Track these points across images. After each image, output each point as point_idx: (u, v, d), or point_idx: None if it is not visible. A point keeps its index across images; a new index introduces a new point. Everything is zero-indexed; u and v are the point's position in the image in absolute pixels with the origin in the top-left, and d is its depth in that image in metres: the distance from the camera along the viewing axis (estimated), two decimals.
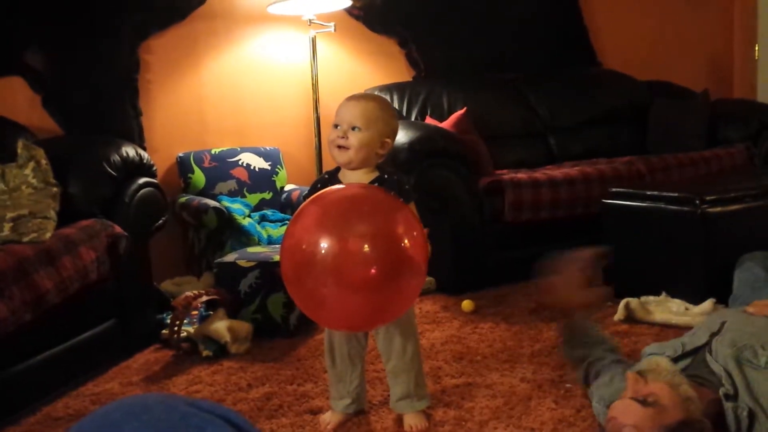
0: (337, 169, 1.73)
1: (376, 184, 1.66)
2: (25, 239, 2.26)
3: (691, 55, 4.67)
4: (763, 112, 3.85)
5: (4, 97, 3.01)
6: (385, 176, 1.69)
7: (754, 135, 3.71)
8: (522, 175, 3.06)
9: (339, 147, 1.66)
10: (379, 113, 1.67)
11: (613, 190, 2.75)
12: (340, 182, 1.69)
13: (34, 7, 3.05)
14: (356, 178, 1.67)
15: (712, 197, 2.44)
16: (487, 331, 2.42)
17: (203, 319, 2.43)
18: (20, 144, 2.52)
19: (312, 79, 3.44)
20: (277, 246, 2.76)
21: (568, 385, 1.90)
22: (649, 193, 2.62)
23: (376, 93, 3.64)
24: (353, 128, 1.65)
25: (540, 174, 3.09)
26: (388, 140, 1.69)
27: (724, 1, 4.83)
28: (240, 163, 3.27)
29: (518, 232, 3.00)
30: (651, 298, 2.46)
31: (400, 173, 1.75)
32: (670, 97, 4.06)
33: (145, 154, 2.80)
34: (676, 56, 4.59)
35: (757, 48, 4.77)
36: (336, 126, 1.67)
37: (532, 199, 2.96)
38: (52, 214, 2.40)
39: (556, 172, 3.14)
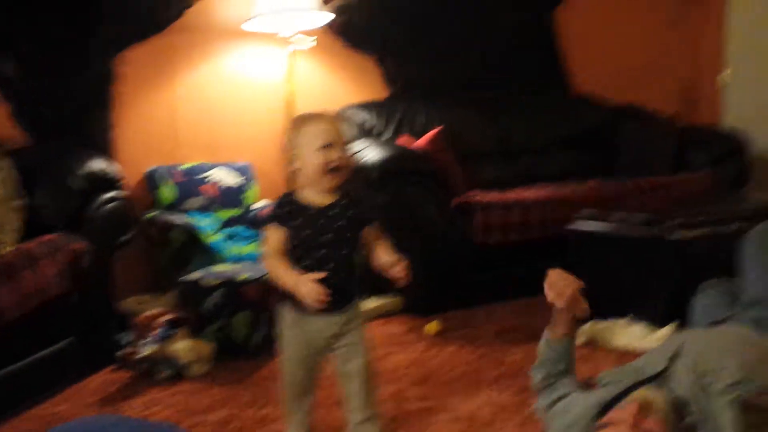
0: (293, 192, 1.65)
1: (344, 202, 1.62)
2: None
3: (660, 81, 4.72)
4: (728, 139, 3.90)
5: None
6: (349, 193, 1.65)
7: (720, 161, 3.76)
8: (493, 196, 3.07)
9: (333, 170, 1.57)
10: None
11: (582, 212, 2.76)
12: (305, 205, 1.62)
13: (6, 15, 3.02)
14: (320, 198, 1.62)
15: (678, 222, 2.46)
16: (452, 353, 2.41)
17: (164, 338, 2.39)
18: None
19: (288, 95, 3.43)
20: (244, 264, 2.75)
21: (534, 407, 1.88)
22: (616, 216, 2.63)
23: (351, 112, 3.64)
24: (343, 147, 1.60)
25: (511, 195, 3.10)
26: None
27: (694, 29, 4.89)
28: (211, 178, 3.25)
29: (488, 253, 3.00)
30: (615, 321, 2.47)
31: (365, 191, 1.72)
32: (639, 121, 4.11)
33: (114, 168, 2.78)
34: (646, 82, 4.63)
35: (724, 75, 4.83)
36: (326, 146, 1.57)
37: (502, 221, 2.97)
38: (14, 227, 2.37)
39: (527, 193, 3.15)
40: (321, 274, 1.54)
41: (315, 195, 1.62)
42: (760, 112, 4.56)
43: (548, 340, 1.70)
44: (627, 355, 2.27)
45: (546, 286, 1.63)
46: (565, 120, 4.08)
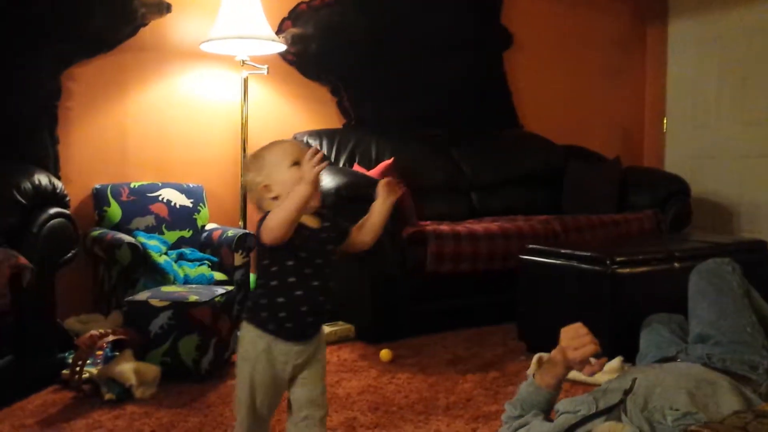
0: None
1: (328, 224, 1.54)
2: None
3: (605, 125, 4.96)
4: (670, 182, 4.10)
5: None
6: (327, 215, 1.57)
7: (662, 202, 3.93)
8: (444, 227, 3.12)
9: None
10: None
11: (530, 246, 2.83)
12: (300, 224, 1.48)
13: None
14: (307, 220, 1.51)
15: (622, 258, 2.55)
16: (404, 381, 2.41)
17: (108, 360, 2.31)
18: None
19: (242, 119, 3.42)
20: (194, 286, 2.69)
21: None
22: (563, 251, 2.71)
23: (304, 138, 3.66)
24: None
25: (462, 227, 3.16)
26: None
27: (637, 77, 5.18)
28: (160, 198, 3.18)
29: (438, 283, 3.03)
30: None
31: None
32: (584, 161, 4.27)
33: (58, 183, 2.69)
34: (592, 125, 4.85)
35: (665, 121, 5.11)
36: (297, 163, 1.48)
37: (453, 251, 3.01)
38: None
39: (477, 226, 3.22)
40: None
41: (309, 218, 1.52)
42: (698, 158, 4.84)
43: (533, 385, 1.69)
44: (575, 387, 2.32)
45: (566, 335, 1.62)
46: (514, 158, 4.20)
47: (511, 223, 3.34)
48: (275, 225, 1.41)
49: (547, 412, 1.73)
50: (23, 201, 2.46)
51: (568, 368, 1.66)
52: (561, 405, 1.73)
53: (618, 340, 2.47)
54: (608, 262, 2.52)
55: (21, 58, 3.09)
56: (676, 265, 2.61)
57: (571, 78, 4.79)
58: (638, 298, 2.53)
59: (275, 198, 1.51)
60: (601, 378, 2.27)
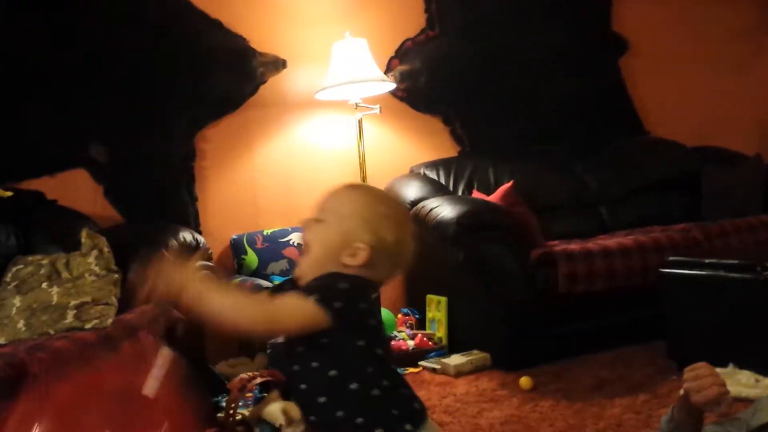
0: None
1: None
2: (88, 326, 2.33)
3: (739, 120, 4.61)
4: None
5: (70, 189, 3.18)
6: None
7: None
8: (574, 246, 3.02)
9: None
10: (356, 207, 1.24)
11: (671, 258, 2.67)
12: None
13: (97, 104, 3.26)
14: None
15: None
16: (548, 409, 2.33)
17: (258, 401, 2.42)
18: (84, 233, 2.64)
19: (359, 158, 3.52)
20: None
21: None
22: (707, 261, 2.54)
23: (421, 170, 3.70)
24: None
25: (593, 244, 3.04)
26: (361, 246, 1.21)
27: (766, 72, 4.79)
28: (291, 242, 3.33)
29: (574, 304, 2.93)
30: (718, 370, 2.33)
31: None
32: (721, 162, 3.99)
33: (201, 238, 2.89)
34: (724, 122, 4.53)
35: None
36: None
37: (587, 270, 2.90)
38: (113, 300, 2.48)
39: (610, 241, 3.08)
40: None
41: None
42: None
43: (673, 421, 1.56)
44: (737, 404, 2.15)
45: (688, 376, 1.49)
46: (644, 166, 4.01)
47: (646, 235, 3.17)
48: None
49: None
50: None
51: (697, 410, 1.53)
52: (709, 429, 1.61)
53: None
54: (759, 268, 2.33)
55: (160, 126, 3.38)
56: None
57: (696, 76, 4.52)
58: None
59: None
60: (765, 393, 2.09)
